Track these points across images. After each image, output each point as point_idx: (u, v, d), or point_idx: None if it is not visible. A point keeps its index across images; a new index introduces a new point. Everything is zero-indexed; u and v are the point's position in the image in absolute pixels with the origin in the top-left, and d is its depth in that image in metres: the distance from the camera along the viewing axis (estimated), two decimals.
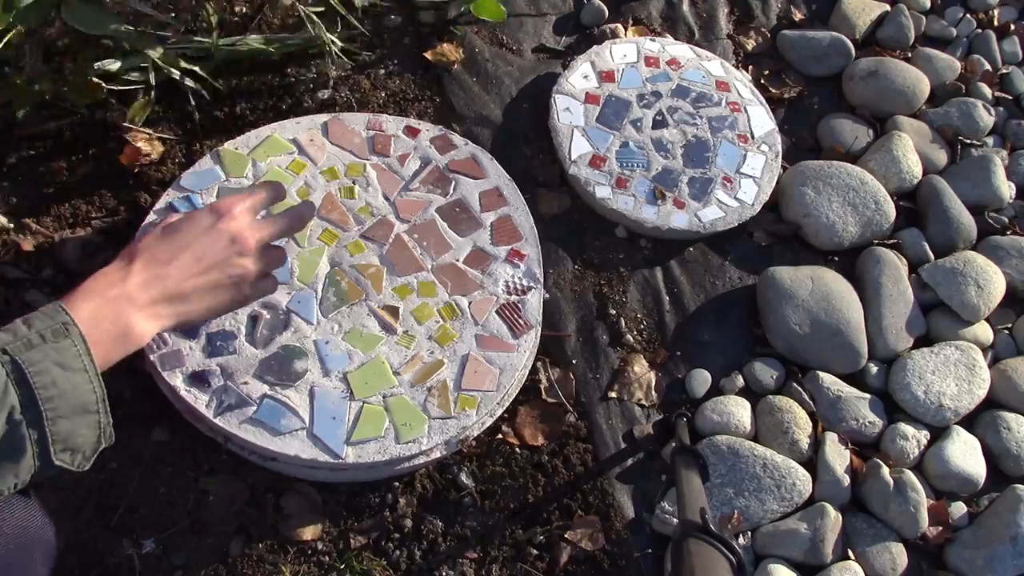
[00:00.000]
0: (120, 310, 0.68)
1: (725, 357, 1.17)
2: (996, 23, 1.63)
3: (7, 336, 0.56)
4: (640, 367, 1.13)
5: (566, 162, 1.23)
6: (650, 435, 1.09)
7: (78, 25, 0.96)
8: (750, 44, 1.50)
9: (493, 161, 1.16)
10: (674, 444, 1.03)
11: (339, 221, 1.07)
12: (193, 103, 1.18)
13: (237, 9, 1.31)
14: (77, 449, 0.58)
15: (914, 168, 1.35)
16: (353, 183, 1.10)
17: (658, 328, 1.17)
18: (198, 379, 0.93)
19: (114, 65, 1.09)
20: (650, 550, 1.01)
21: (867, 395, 1.15)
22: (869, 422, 1.12)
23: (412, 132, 1.16)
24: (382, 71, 1.31)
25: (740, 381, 1.15)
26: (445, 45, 1.32)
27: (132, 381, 0.97)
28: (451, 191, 1.12)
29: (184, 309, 0.76)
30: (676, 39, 1.45)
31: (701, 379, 1.14)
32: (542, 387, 1.08)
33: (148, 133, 1.16)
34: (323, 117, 1.16)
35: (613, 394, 1.11)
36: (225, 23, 1.27)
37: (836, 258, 1.29)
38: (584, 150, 1.24)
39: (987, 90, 1.50)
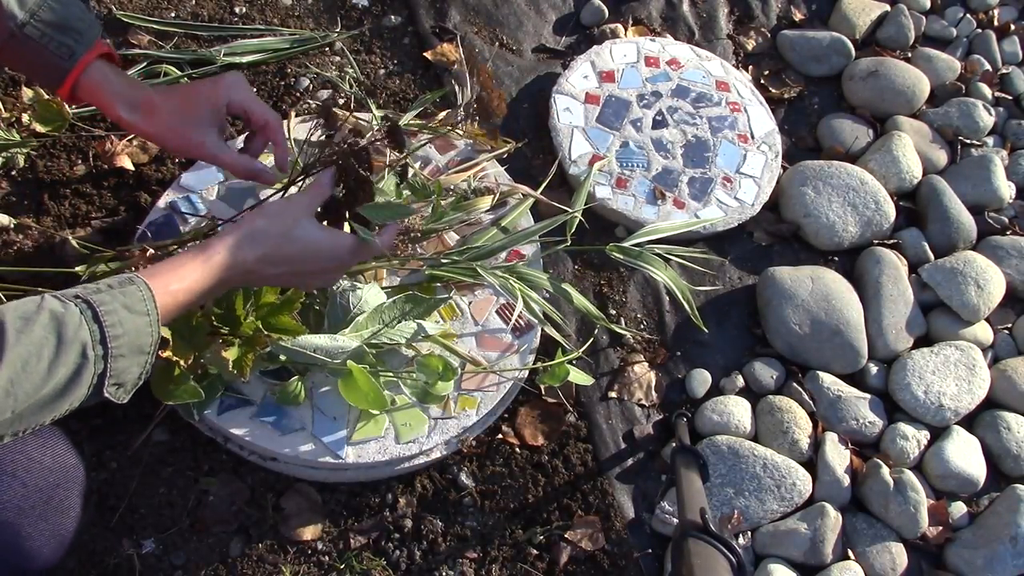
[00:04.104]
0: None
1: (725, 357, 1.17)
2: (996, 23, 1.63)
3: (79, 288, 0.63)
4: (640, 367, 1.13)
5: (566, 162, 1.23)
6: (650, 435, 1.09)
7: None
8: (750, 44, 1.50)
9: (493, 161, 1.16)
10: (674, 444, 1.03)
11: None
12: None
13: (237, 9, 1.31)
14: (123, 384, 0.64)
15: (914, 168, 1.35)
16: None
17: (658, 328, 1.17)
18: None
19: None
20: (650, 550, 1.01)
21: (867, 395, 1.15)
22: (869, 422, 1.12)
23: (412, 132, 1.16)
24: (382, 71, 1.31)
25: (740, 381, 1.15)
26: (445, 45, 1.32)
27: None
28: None
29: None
30: (676, 39, 1.45)
31: (701, 379, 1.14)
32: (542, 387, 1.08)
33: None
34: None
35: (613, 394, 1.11)
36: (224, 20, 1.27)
37: (836, 258, 1.29)
38: (584, 150, 1.24)
39: (987, 90, 1.50)
